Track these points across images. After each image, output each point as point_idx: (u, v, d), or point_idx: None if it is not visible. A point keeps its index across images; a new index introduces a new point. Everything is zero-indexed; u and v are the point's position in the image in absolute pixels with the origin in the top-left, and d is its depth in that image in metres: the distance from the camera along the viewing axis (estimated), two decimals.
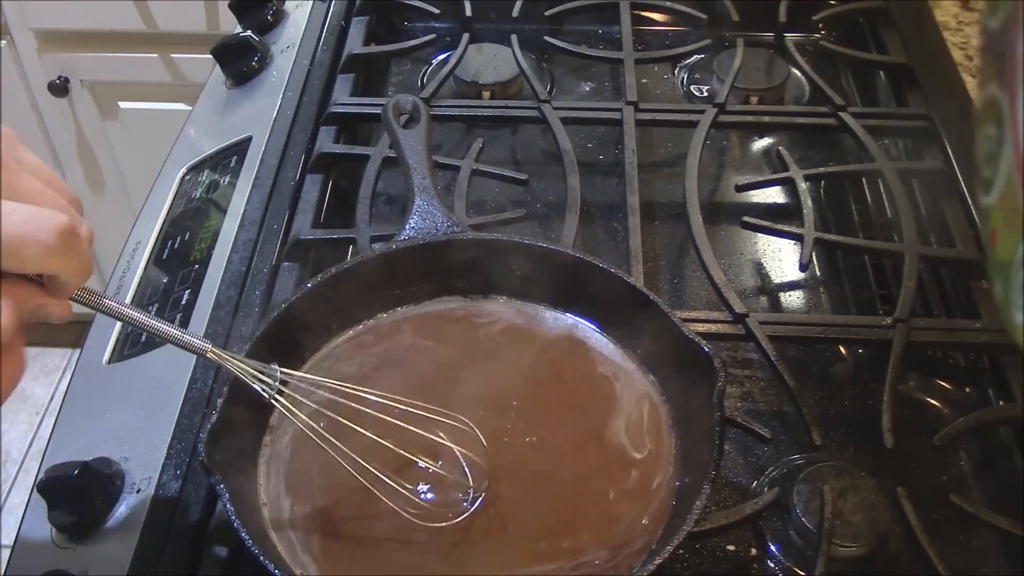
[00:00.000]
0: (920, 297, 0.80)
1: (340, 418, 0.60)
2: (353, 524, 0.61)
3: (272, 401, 0.59)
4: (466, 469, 0.62)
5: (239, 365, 0.59)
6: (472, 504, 0.61)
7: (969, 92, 0.95)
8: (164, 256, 0.84)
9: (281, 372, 0.60)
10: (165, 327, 0.58)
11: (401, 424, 0.61)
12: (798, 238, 0.82)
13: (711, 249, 0.80)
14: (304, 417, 0.60)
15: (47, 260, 0.49)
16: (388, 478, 0.60)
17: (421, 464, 0.62)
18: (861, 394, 0.76)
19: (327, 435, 0.59)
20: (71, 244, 0.49)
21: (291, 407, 0.60)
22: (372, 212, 0.83)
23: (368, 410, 0.61)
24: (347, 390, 0.61)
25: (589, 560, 0.59)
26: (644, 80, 1.06)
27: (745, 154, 1.02)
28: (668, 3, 1.10)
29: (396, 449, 0.61)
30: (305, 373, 0.66)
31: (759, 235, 0.89)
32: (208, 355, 0.58)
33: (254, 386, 0.59)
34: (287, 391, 0.60)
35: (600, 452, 0.64)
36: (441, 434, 0.61)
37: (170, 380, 0.71)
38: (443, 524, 0.60)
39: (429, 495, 0.61)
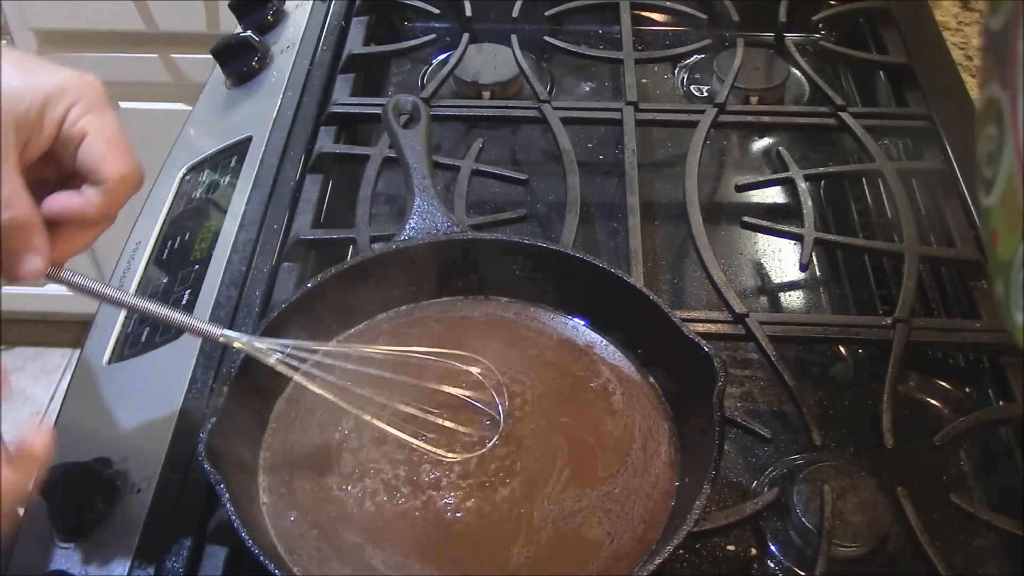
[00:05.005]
0: (920, 297, 0.80)
1: (357, 382, 0.63)
2: (354, 522, 0.61)
3: (281, 369, 0.61)
4: (486, 410, 0.64)
5: (250, 345, 0.61)
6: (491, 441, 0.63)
7: (969, 92, 0.96)
8: (164, 256, 0.84)
9: (292, 347, 0.61)
10: (177, 316, 0.60)
11: (416, 381, 0.64)
12: (798, 238, 0.82)
13: (711, 249, 0.80)
14: (316, 384, 0.61)
15: None
16: (409, 434, 0.62)
17: (440, 416, 0.64)
18: (861, 394, 0.77)
19: (344, 401, 0.61)
20: None
21: (304, 377, 0.61)
22: (372, 212, 0.83)
23: (383, 372, 0.63)
24: (359, 352, 0.65)
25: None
26: (644, 80, 1.06)
27: (745, 154, 1.02)
28: (668, 3, 1.10)
29: (415, 407, 0.64)
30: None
31: (759, 235, 0.89)
32: (219, 339, 0.60)
33: (268, 361, 0.60)
34: (302, 366, 0.62)
35: (599, 452, 0.64)
36: (456, 386, 0.65)
37: (170, 380, 0.71)
38: (466, 455, 0.63)
39: (449, 445, 0.63)
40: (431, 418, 0.64)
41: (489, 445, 0.63)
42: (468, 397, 0.65)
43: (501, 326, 0.72)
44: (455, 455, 0.63)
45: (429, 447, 0.63)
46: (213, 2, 1.55)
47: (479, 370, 0.65)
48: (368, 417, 0.62)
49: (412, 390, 0.64)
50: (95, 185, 0.56)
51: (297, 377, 0.61)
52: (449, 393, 0.64)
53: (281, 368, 0.61)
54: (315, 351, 0.63)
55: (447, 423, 0.64)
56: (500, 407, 0.65)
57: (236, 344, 0.60)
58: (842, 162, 0.95)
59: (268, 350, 0.61)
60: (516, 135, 1.02)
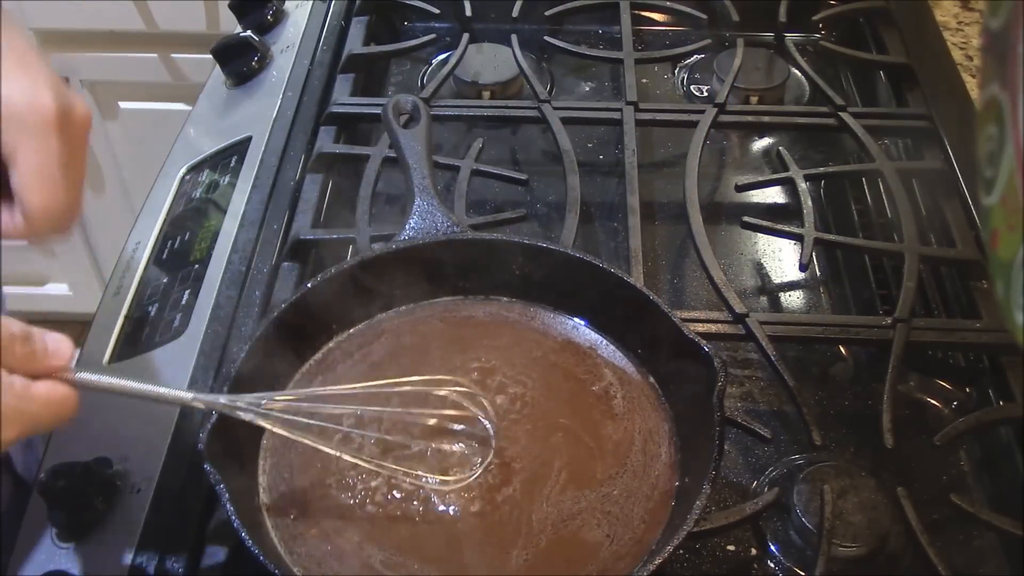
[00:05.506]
0: (920, 297, 0.80)
1: (336, 423, 0.62)
2: (354, 522, 0.61)
3: (260, 423, 0.59)
4: (472, 435, 0.63)
5: (224, 404, 0.58)
6: (482, 464, 0.62)
7: (969, 92, 0.96)
8: (164, 256, 0.84)
9: (266, 401, 0.59)
10: (147, 388, 0.57)
11: (399, 411, 0.63)
12: (798, 238, 0.82)
13: (711, 249, 0.80)
14: (297, 434, 0.60)
15: None
16: (396, 470, 0.61)
17: (425, 445, 0.63)
18: (861, 394, 0.77)
19: (325, 445, 0.60)
20: None
21: (284, 428, 0.59)
22: (372, 212, 0.83)
23: (363, 407, 0.62)
24: (334, 393, 0.63)
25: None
26: (644, 80, 1.06)
27: (745, 154, 1.02)
28: (668, 3, 1.10)
29: (398, 439, 0.63)
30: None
31: (759, 235, 0.89)
32: (193, 404, 0.58)
33: (244, 417, 0.58)
34: (281, 408, 0.60)
35: (599, 454, 0.64)
36: (440, 410, 0.63)
37: (170, 380, 0.71)
38: (456, 485, 0.61)
39: (439, 470, 0.62)
40: (421, 447, 0.63)
41: (479, 470, 0.62)
42: (455, 422, 0.64)
43: (505, 326, 0.72)
44: (448, 482, 0.62)
45: (422, 475, 0.62)
46: (213, 2, 1.55)
47: (462, 391, 0.63)
48: (357, 460, 0.61)
49: (398, 421, 0.64)
50: (22, 211, 0.54)
51: (278, 430, 0.59)
52: (436, 419, 0.64)
53: (260, 423, 0.59)
54: (290, 399, 0.61)
55: (437, 449, 0.63)
56: (489, 427, 0.63)
57: (216, 405, 0.58)
58: (842, 162, 0.95)
59: (243, 407, 0.58)
60: (516, 135, 1.02)
